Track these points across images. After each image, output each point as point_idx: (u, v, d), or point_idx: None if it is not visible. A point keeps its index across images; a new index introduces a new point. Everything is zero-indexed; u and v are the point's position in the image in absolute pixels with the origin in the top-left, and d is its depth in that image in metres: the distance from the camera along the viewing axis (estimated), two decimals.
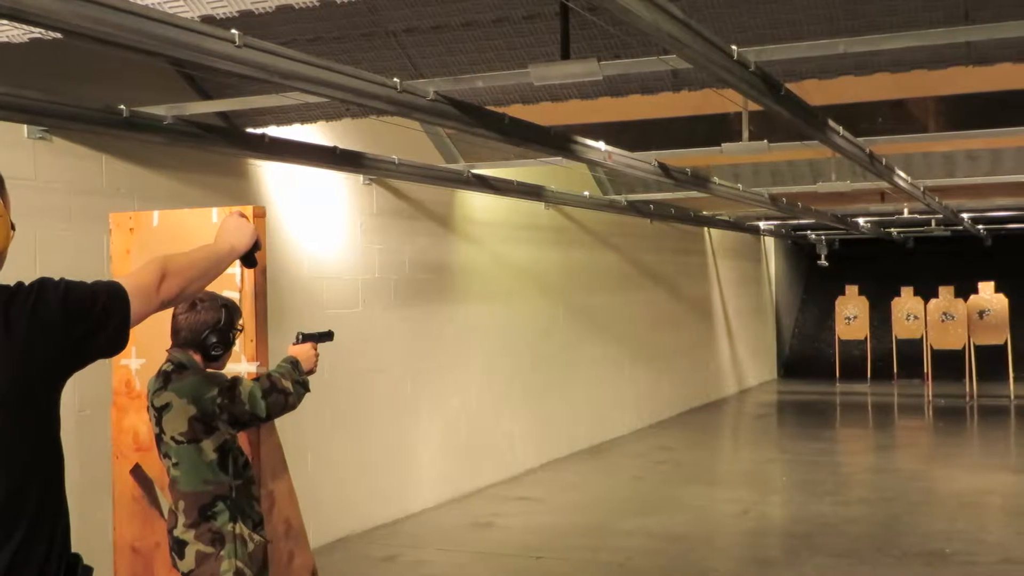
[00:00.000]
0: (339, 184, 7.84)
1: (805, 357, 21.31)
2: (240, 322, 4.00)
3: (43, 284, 2.20)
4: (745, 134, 6.57)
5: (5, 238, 2.25)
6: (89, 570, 2.29)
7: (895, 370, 17.82)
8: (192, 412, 3.70)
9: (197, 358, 3.85)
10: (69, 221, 5.59)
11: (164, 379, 3.77)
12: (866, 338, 18.52)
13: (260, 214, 4.86)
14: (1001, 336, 16.15)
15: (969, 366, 16.20)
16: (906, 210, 13.02)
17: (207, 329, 3.82)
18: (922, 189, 9.66)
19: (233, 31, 3.76)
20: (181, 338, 3.84)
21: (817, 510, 8.69)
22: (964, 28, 4.34)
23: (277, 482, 4.92)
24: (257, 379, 3.89)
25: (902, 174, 8.72)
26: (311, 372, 4.13)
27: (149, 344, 5.01)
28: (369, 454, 8.11)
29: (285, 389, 3.89)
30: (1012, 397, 15.95)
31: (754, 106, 5.63)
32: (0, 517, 2.11)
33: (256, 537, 3.85)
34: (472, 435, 9.49)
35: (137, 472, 5.03)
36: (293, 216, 7.37)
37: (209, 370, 3.87)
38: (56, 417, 2.24)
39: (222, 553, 3.74)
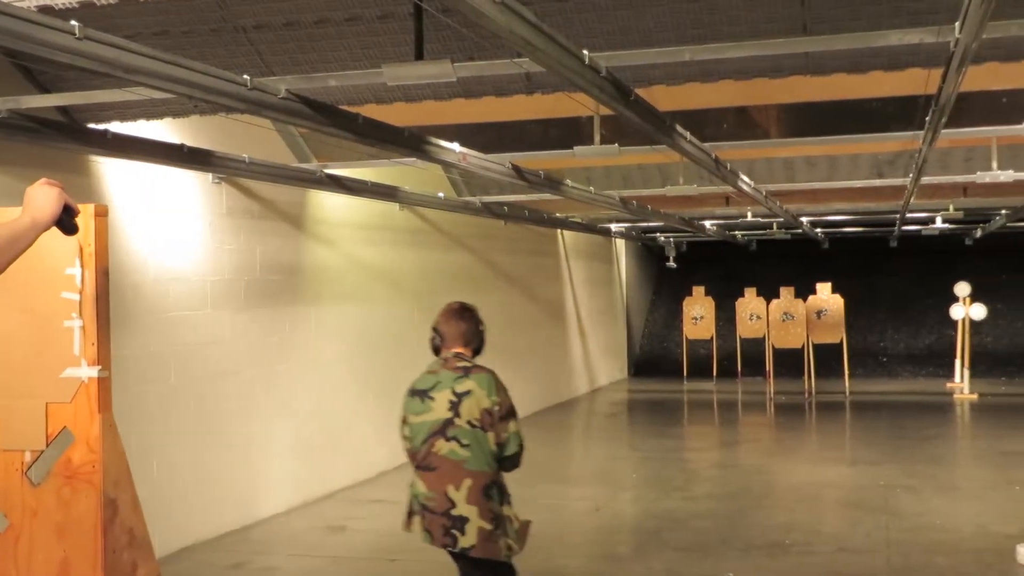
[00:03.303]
0: (187, 183, 7.64)
1: (654, 356, 21.84)
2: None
3: None
4: (597, 138, 6.68)
5: None
6: None
7: (739, 368, 18.43)
8: (486, 404, 4.27)
9: (469, 353, 4.50)
10: None
11: (465, 371, 4.37)
12: (712, 337, 19.10)
13: (102, 213, 4.70)
14: (837, 335, 16.90)
15: (808, 364, 16.89)
16: (749, 213, 13.47)
17: (479, 330, 4.57)
18: (764, 193, 10.02)
19: (73, 22, 3.63)
20: (458, 335, 4.49)
21: (666, 506, 8.92)
22: (802, 39, 4.53)
23: (120, 491, 4.76)
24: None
25: (746, 178, 9.02)
26: None
27: None
28: (217, 459, 7.92)
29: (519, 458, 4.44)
30: (847, 393, 16.71)
31: (606, 110, 5.74)
32: None
33: (515, 515, 4.37)
34: (325, 438, 9.37)
35: None
36: (138, 215, 7.13)
37: (501, 381, 4.40)
38: None
39: (498, 532, 4.25)
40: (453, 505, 4.26)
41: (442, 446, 4.29)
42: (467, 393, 4.30)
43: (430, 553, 7.41)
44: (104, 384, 4.71)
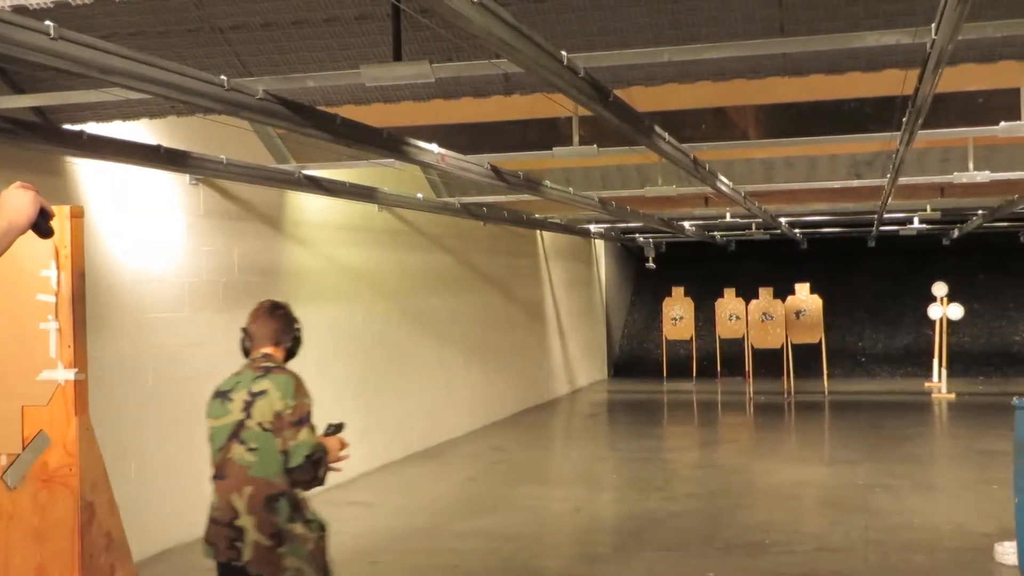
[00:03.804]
0: (165, 184, 7.59)
1: (634, 357, 21.88)
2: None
3: None
4: (575, 138, 6.68)
5: None
6: None
7: (719, 368, 18.48)
8: (278, 407, 3.91)
9: (280, 356, 4.16)
10: None
11: (265, 371, 4.02)
12: (691, 338, 19.14)
13: (77, 214, 4.67)
14: (816, 335, 16.97)
15: (787, 364, 16.96)
16: (728, 214, 13.51)
17: (295, 332, 4.25)
18: (743, 194, 10.05)
19: (48, 22, 3.60)
20: (266, 335, 4.15)
21: (646, 506, 8.93)
22: (780, 40, 4.54)
23: (97, 494, 4.73)
24: (319, 444, 4.00)
25: (724, 179, 9.05)
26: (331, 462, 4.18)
27: None
28: (195, 462, 7.83)
29: (319, 472, 3.98)
30: (826, 393, 16.78)
31: (584, 111, 5.74)
32: None
33: (312, 537, 4.02)
34: None
35: None
36: (114, 217, 7.09)
37: (305, 387, 4.05)
38: None
39: (281, 550, 3.88)
40: (236, 515, 3.91)
41: (235, 451, 3.95)
42: (262, 393, 3.95)
43: (410, 555, 7.43)
44: (81, 387, 4.68)
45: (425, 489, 9.84)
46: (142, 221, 7.36)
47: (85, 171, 6.82)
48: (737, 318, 17.76)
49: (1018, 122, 6.20)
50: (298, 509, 3.98)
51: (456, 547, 7.56)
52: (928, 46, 4.10)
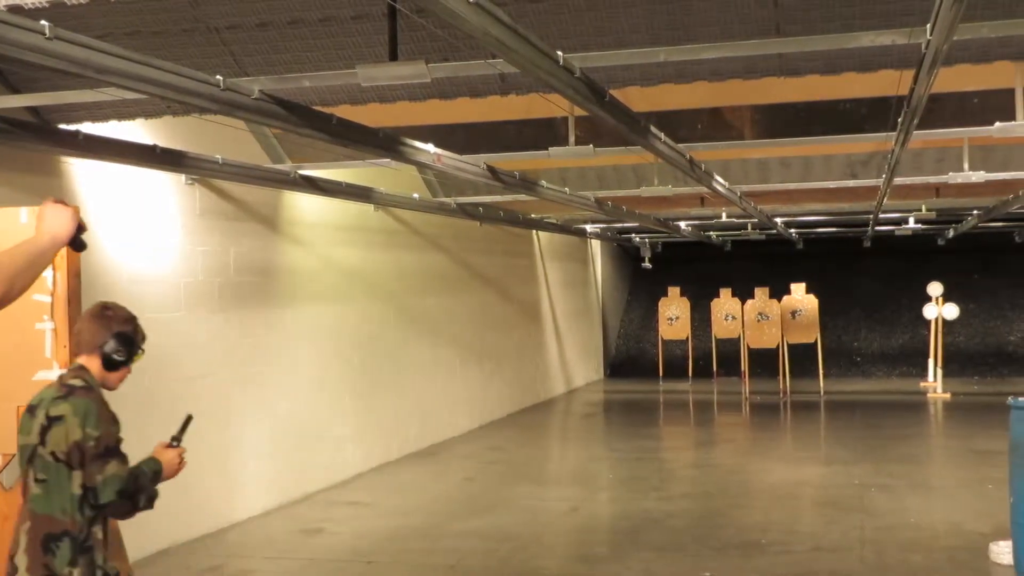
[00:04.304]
0: (160, 184, 7.59)
1: (630, 357, 21.89)
2: (143, 345, 3.80)
3: None
4: (572, 138, 6.69)
5: None
6: None
7: (715, 368, 18.49)
8: (77, 436, 3.42)
9: (95, 366, 3.61)
10: None
11: (68, 392, 3.50)
12: (687, 338, 19.15)
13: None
14: (811, 335, 16.98)
15: (782, 364, 16.97)
16: (724, 214, 13.52)
17: (112, 337, 3.62)
18: (739, 194, 10.05)
19: (43, 22, 3.60)
20: (83, 342, 3.61)
21: (642, 506, 8.93)
22: (775, 40, 4.55)
23: None
24: (132, 470, 3.55)
25: (720, 179, 9.05)
26: (169, 477, 3.79)
27: None
28: (192, 462, 7.79)
29: (138, 502, 3.55)
30: (821, 393, 16.80)
31: (580, 111, 5.74)
32: None
33: None
34: (301, 440, 9.33)
35: None
36: (110, 217, 7.08)
37: (110, 411, 3.58)
38: None
39: None
40: (17, 550, 3.47)
41: (29, 477, 3.50)
42: (59, 419, 3.42)
43: (408, 555, 7.43)
44: None
45: (422, 489, 9.83)
46: (138, 221, 7.35)
47: (81, 171, 6.81)
48: (733, 318, 17.77)
49: (1013, 122, 6.21)
50: (83, 552, 3.44)
51: (453, 547, 7.56)
52: (923, 46, 4.11)
